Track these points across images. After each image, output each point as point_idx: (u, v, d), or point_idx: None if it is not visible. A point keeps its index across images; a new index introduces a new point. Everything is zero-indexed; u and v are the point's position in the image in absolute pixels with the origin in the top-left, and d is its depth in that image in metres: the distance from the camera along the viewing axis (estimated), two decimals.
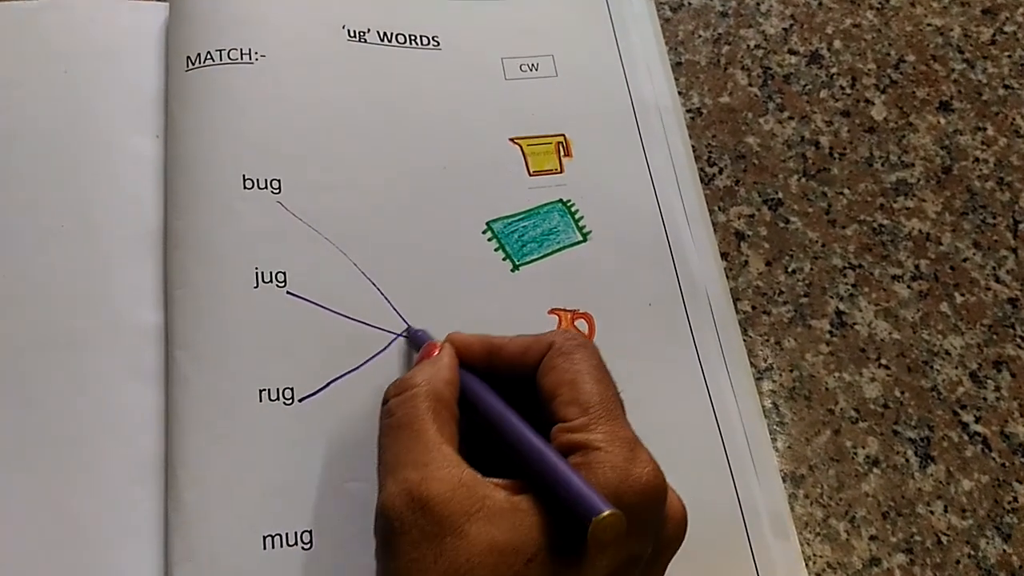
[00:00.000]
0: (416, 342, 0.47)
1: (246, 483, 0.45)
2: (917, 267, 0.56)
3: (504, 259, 0.52)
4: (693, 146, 0.58)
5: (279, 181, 0.50)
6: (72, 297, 0.49)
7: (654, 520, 0.37)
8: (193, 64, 0.53)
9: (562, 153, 0.55)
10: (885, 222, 0.57)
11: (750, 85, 0.61)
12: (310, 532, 0.45)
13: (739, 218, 0.57)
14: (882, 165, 0.59)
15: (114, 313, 0.48)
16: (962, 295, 0.55)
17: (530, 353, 0.41)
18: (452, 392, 0.40)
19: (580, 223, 0.54)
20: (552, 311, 0.51)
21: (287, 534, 0.44)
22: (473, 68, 0.58)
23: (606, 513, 0.33)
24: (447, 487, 0.35)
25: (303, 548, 0.44)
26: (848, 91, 0.61)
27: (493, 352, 0.42)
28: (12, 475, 0.45)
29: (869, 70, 0.62)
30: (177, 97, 0.53)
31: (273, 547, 0.44)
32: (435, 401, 0.39)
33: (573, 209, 0.54)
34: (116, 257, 0.50)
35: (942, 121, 0.60)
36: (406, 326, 0.49)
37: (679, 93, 0.60)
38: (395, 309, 0.49)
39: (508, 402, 0.40)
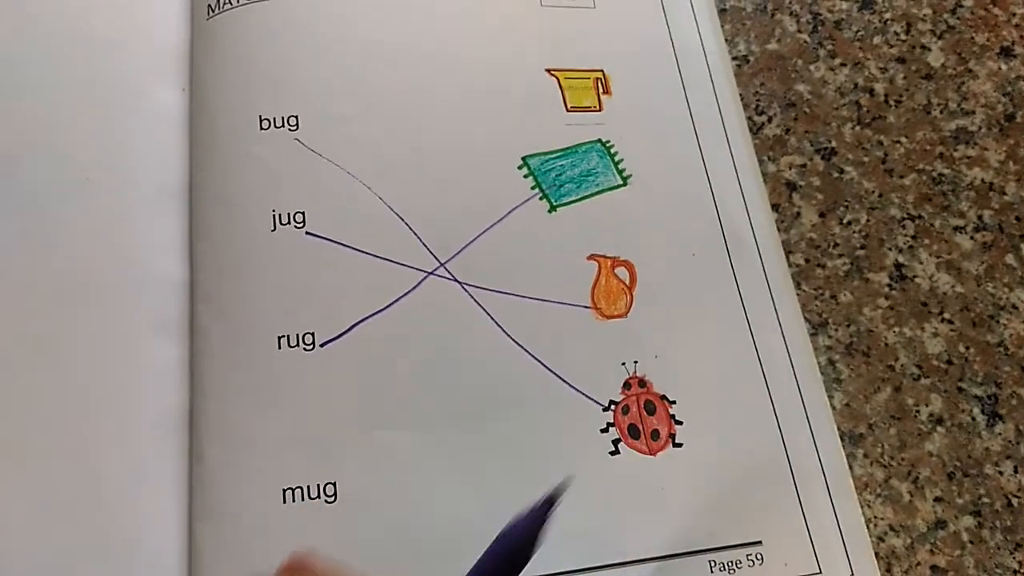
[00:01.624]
0: None
1: (265, 435, 0.42)
2: (980, 218, 0.52)
3: (541, 198, 0.48)
4: (740, 94, 0.54)
5: (296, 117, 0.47)
6: (98, 250, 0.46)
7: None
8: (213, 11, 0.50)
9: (601, 90, 0.52)
10: (945, 171, 0.53)
11: (799, 31, 0.57)
12: (334, 484, 0.41)
13: (790, 168, 0.53)
14: (941, 113, 0.55)
15: (140, 267, 0.46)
16: None
17: None
18: None
19: (620, 166, 0.50)
20: (591, 256, 0.48)
21: (308, 487, 0.41)
22: None
23: None
24: None
25: (326, 501, 0.41)
26: (903, 37, 0.57)
27: None
28: (35, 426, 0.43)
29: (925, 15, 0.58)
30: (200, 47, 0.51)
31: (294, 500, 0.41)
32: None
33: (612, 151, 0.51)
34: (142, 211, 0.47)
35: (1003, 67, 0.57)
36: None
37: (724, 40, 0.56)
38: (425, 245, 0.46)
39: None
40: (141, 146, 0.49)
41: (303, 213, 0.45)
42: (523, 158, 0.50)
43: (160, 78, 0.51)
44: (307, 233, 0.45)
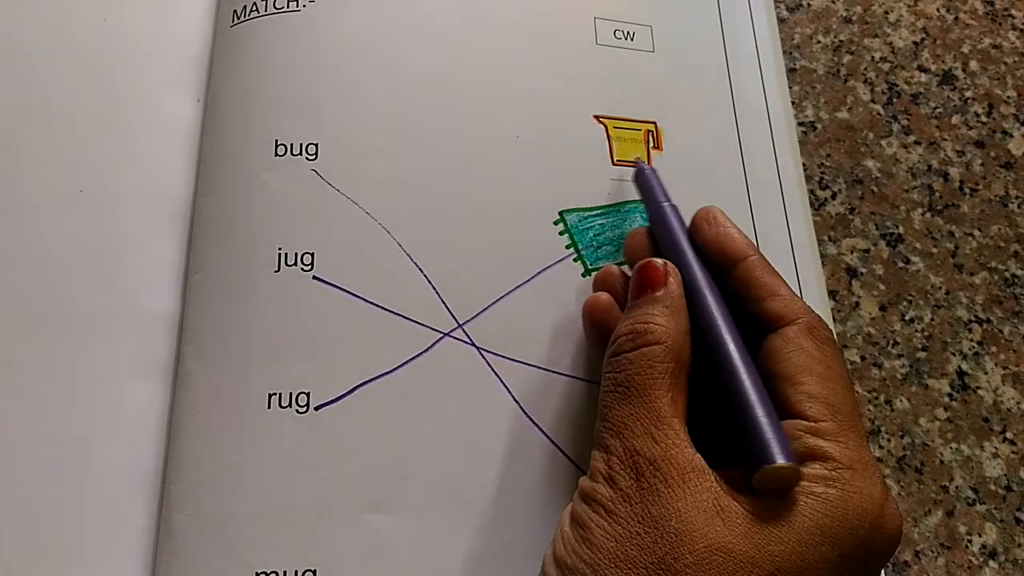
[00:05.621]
0: (645, 190, 0.43)
1: (243, 507, 0.37)
2: None
3: (575, 259, 0.43)
4: (804, 164, 0.49)
5: (316, 145, 0.43)
6: (82, 272, 0.42)
7: (881, 565, 0.32)
8: (239, 18, 0.46)
9: (651, 144, 0.47)
10: (1020, 272, 0.48)
11: (873, 101, 0.52)
12: (313, 572, 0.36)
13: (852, 252, 0.48)
14: (1019, 207, 0.50)
15: (127, 296, 0.41)
16: None
17: (773, 304, 0.35)
18: (689, 346, 0.34)
19: None
20: None
21: (285, 572, 0.36)
22: (561, 23, 0.49)
23: (781, 464, 0.30)
24: None
25: None
26: (984, 119, 0.52)
27: (742, 270, 0.37)
28: None
29: (1009, 97, 0.53)
30: (220, 56, 0.46)
31: None
32: (675, 363, 0.33)
33: None
34: (136, 232, 0.43)
35: None
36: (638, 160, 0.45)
37: (791, 103, 0.51)
38: (444, 302, 0.41)
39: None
40: (145, 158, 0.44)
41: (312, 254, 0.41)
42: (560, 213, 0.45)
43: (175, 85, 0.46)
44: (314, 277, 0.40)
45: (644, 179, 0.42)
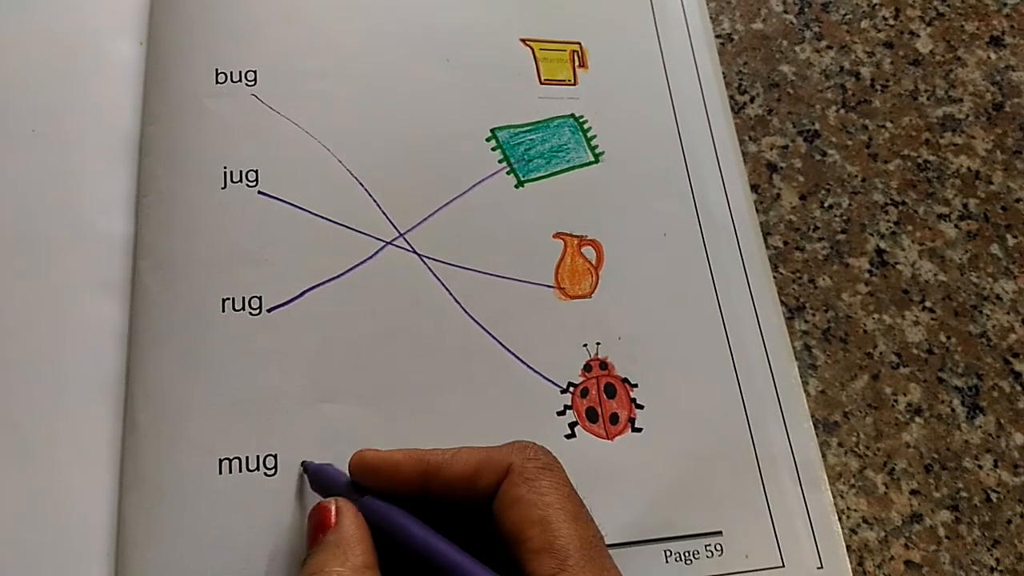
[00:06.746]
0: (317, 482, 0.38)
1: (204, 401, 0.40)
2: (965, 206, 0.50)
3: (508, 172, 0.46)
4: (723, 73, 0.52)
5: (255, 72, 0.45)
6: (40, 204, 0.44)
7: None
8: None
9: (577, 63, 0.50)
10: (931, 158, 0.51)
11: (785, 12, 0.55)
12: (275, 456, 0.39)
13: (771, 149, 0.51)
14: (928, 99, 0.53)
15: (84, 222, 0.44)
16: (1014, 237, 0.49)
17: (482, 476, 0.34)
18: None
19: (592, 142, 0.48)
20: (557, 235, 0.46)
21: (247, 458, 0.39)
22: None
23: None
24: None
25: (265, 474, 0.39)
26: (891, 22, 0.55)
27: (429, 474, 0.34)
28: None
29: (914, 1, 0.56)
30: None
31: (231, 472, 0.38)
32: None
33: (586, 126, 0.48)
34: (89, 165, 0.45)
35: (992, 56, 0.55)
36: (303, 464, 0.39)
37: (708, 17, 0.54)
38: (384, 213, 0.44)
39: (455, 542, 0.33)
40: (92, 99, 0.46)
41: (256, 171, 0.43)
42: (492, 130, 0.48)
43: (118, 31, 0.48)
44: (259, 192, 0.43)
45: (321, 476, 0.38)
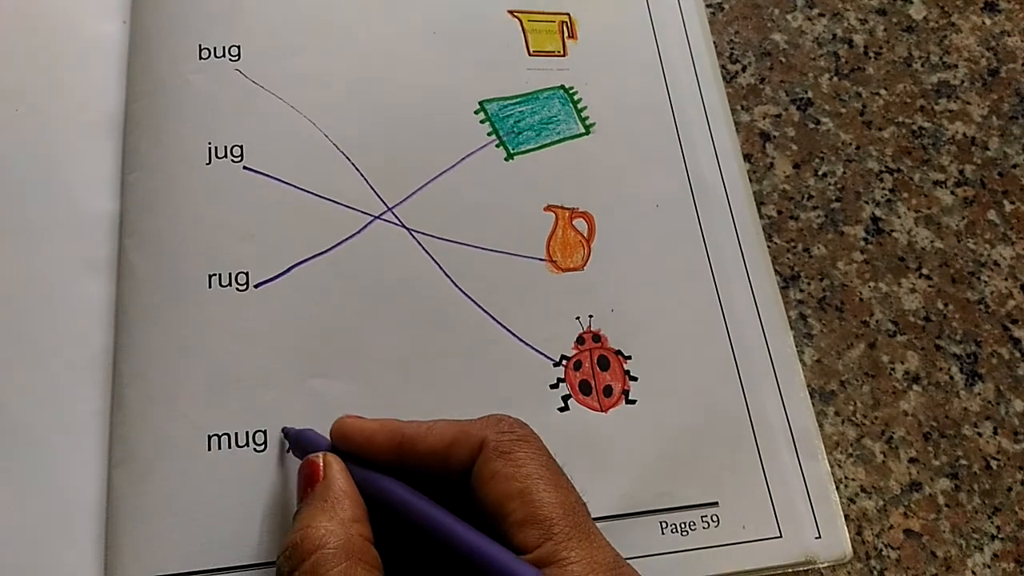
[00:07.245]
0: (298, 447, 0.37)
1: (192, 378, 0.39)
2: (961, 172, 0.50)
3: (498, 145, 0.45)
4: (714, 43, 0.52)
5: (239, 47, 0.45)
6: (25, 183, 0.44)
7: None
8: None
9: (566, 34, 0.49)
10: (926, 125, 0.51)
11: None
12: (264, 432, 0.38)
13: (764, 118, 0.50)
14: (922, 66, 0.52)
15: (69, 201, 0.43)
16: (1012, 203, 0.49)
17: (456, 451, 0.33)
18: (364, 532, 0.32)
19: (582, 113, 0.47)
20: (548, 207, 0.45)
21: (237, 434, 0.38)
22: None
23: None
24: None
25: (255, 450, 0.38)
26: None
27: (404, 446, 0.34)
28: None
29: None
30: None
31: (220, 448, 0.38)
32: (349, 559, 0.30)
33: (576, 97, 0.48)
34: (74, 143, 0.45)
35: (987, 21, 0.54)
36: (284, 431, 0.39)
37: None
38: (372, 188, 0.43)
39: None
40: (76, 78, 0.46)
41: (241, 147, 0.43)
42: (481, 103, 0.47)
43: (101, 10, 0.48)
44: (245, 168, 0.43)
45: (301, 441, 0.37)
